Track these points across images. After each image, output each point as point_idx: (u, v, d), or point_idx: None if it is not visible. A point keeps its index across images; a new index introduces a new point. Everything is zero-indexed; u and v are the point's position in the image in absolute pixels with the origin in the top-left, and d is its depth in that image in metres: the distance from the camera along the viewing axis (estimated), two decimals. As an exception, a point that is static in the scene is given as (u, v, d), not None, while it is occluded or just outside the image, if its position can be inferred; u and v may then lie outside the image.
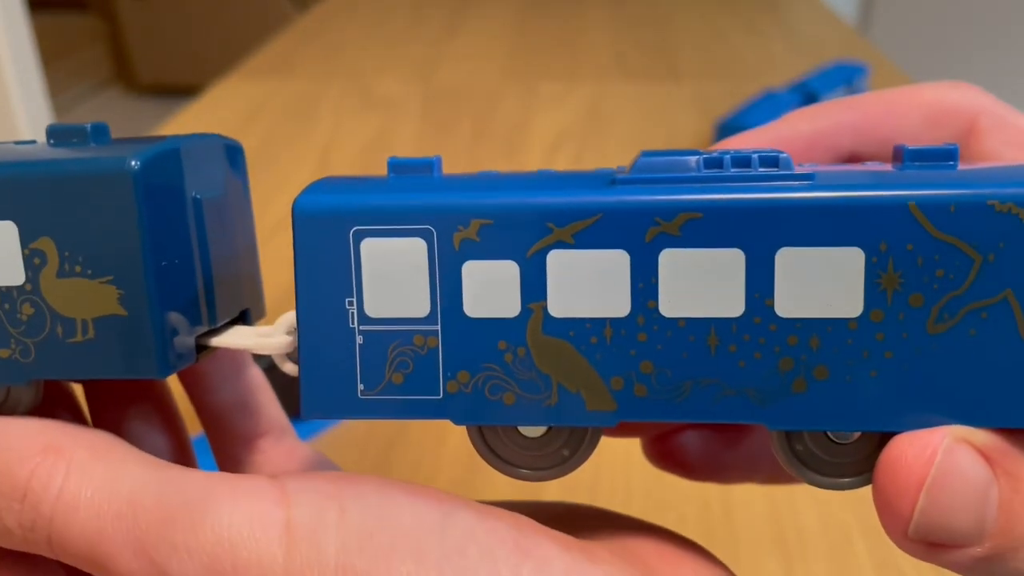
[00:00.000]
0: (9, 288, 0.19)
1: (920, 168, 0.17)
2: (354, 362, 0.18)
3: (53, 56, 1.92)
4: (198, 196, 0.20)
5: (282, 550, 0.16)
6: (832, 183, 0.17)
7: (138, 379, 0.21)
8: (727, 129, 0.71)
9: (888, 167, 0.18)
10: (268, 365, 0.29)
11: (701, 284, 0.17)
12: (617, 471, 0.39)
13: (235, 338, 0.20)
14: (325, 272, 0.18)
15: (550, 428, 0.19)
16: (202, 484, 0.17)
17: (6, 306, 0.19)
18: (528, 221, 0.17)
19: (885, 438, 0.17)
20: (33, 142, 0.20)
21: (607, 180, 0.18)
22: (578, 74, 0.94)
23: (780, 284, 0.17)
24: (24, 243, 0.18)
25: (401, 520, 0.17)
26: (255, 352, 0.20)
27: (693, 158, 0.17)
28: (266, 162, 0.72)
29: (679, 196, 0.17)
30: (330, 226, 0.18)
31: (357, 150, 0.75)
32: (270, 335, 0.20)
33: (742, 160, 0.17)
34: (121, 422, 0.24)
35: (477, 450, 0.19)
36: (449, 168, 0.19)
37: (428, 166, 0.19)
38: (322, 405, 0.18)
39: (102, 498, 0.17)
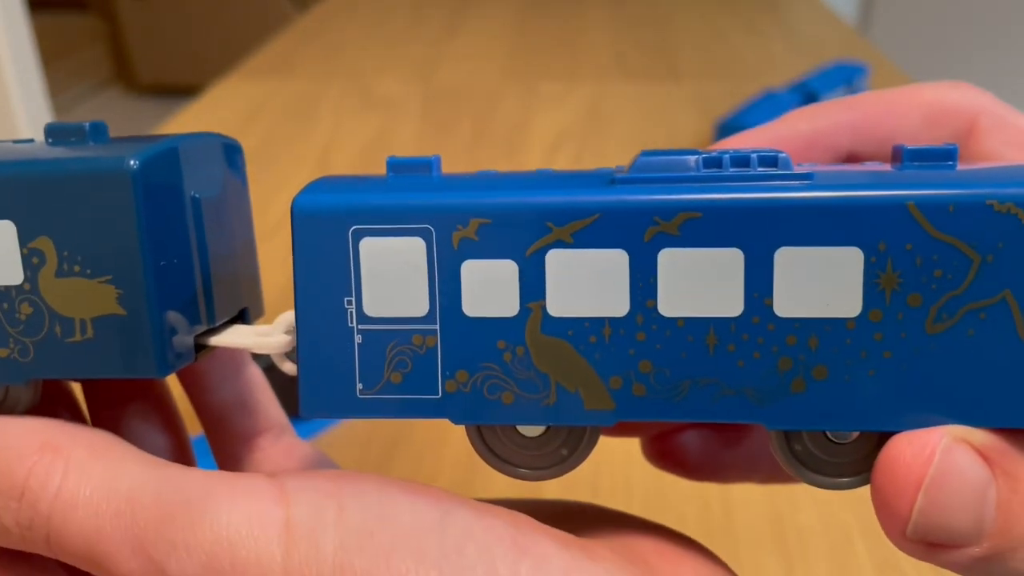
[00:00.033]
0: (8, 288, 0.19)
1: (919, 168, 0.17)
2: (353, 361, 0.18)
3: (53, 56, 1.92)
4: (197, 195, 0.20)
5: (281, 549, 0.16)
6: (831, 183, 0.17)
7: (137, 378, 0.21)
8: (727, 129, 0.71)
9: (887, 167, 0.18)
10: (268, 365, 0.29)
11: (700, 284, 0.17)
12: (617, 470, 0.39)
13: (234, 337, 0.20)
14: (324, 271, 0.18)
15: (549, 427, 0.19)
16: (201, 483, 0.17)
17: (4, 306, 0.19)
18: (527, 220, 0.17)
19: (884, 438, 0.17)
20: (31, 141, 0.20)
21: (606, 180, 0.18)
22: (578, 74, 0.94)
23: (779, 284, 0.17)
24: (23, 242, 0.18)
25: (400, 519, 0.17)
26: (254, 351, 0.20)
27: (692, 158, 0.17)
28: (266, 162, 0.72)
29: (678, 196, 0.17)
30: (329, 225, 0.18)
31: (357, 150, 0.75)
32: (269, 334, 0.20)
33: (741, 160, 0.17)
34: (120, 421, 0.24)
35: (476, 449, 0.19)
36: (449, 168, 0.19)
37: (427, 165, 0.19)
38: (321, 404, 0.18)
39: (100, 496, 0.17)
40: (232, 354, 0.24)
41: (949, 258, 0.16)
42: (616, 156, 0.72)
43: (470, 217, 0.17)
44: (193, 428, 0.25)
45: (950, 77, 0.23)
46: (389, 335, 0.18)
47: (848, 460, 0.18)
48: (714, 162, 0.17)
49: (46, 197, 0.18)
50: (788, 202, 0.17)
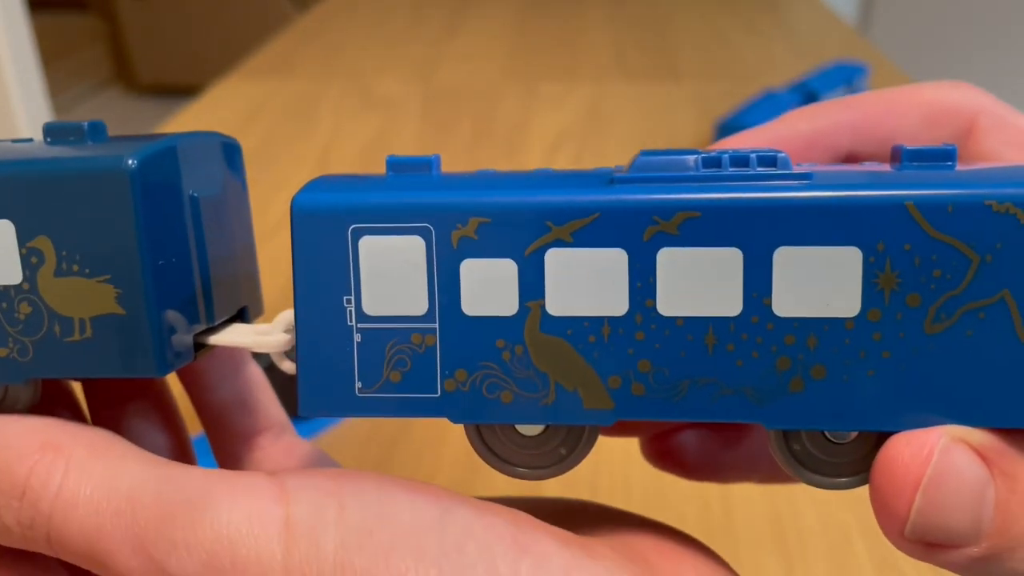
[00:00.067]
0: (7, 287, 0.19)
1: (918, 168, 0.17)
2: (352, 360, 0.18)
3: (53, 56, 1.92)
4: (195, 194, 0.20)
5: (281, 547, 0.16)
6: (830, 183, 0.17)
7: (137, 378, 0.21)
8: (727, 129, 0.71)
9: (886, 167, 0.18)
10: (268, 364, 0.29)
11: (699, 283, 0.17)
12: (616, 470, 0.39)
13: (233, 336, 0.20)
14: (323, 270, 0.18)
15: (547, 427, 0.19)
16: (201, 481, 0.17)
17: (4, 305, 0.19)
18: (526, 219, 0.17)
19: (882, 438, 0.17)
20: (30, 140, 0.20)
21: (606, 179, 0.18)
22: (578, 74, 0.94)
23: (778, 283, 0.17)
24: (21, 242, 0.18)
25: (400, 517, 0.17)
26: (253, 350, 0.20)
27: (691, 157, 0.18)
28: (266, 162, 0.72)
29: (677, 195, 0.17)
30: (328, 224, 0.18)
31: (357, 150, 0.75)
32: (268, 333, 0.20)
33: (740, 159, 0.17)
34: (120, 420, 0.24)
35: (475, 448, 0.19)
36: (449, 168, 0.19)
37: (427, 165, 0.19)
38: (320, 403, 0.18)
39: (101, 495, 0.17)
40: (232, 353, 0.24)
41: (948, 258, 0.16)
42: (616, 156, 0.72)
43: (469, 216, 0.17)
44: (193, 427, 0.25)
45: (950, 77, 0.23)
46: (388, 334, 0.18)
47: (847, 460, 0.18)
48: (713, 162, 0.17)
49: (45, 196, 0.18)
50: (787, 202, 0.17)
